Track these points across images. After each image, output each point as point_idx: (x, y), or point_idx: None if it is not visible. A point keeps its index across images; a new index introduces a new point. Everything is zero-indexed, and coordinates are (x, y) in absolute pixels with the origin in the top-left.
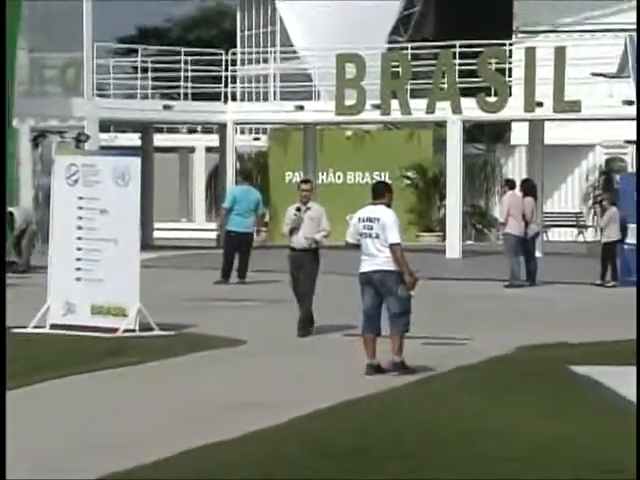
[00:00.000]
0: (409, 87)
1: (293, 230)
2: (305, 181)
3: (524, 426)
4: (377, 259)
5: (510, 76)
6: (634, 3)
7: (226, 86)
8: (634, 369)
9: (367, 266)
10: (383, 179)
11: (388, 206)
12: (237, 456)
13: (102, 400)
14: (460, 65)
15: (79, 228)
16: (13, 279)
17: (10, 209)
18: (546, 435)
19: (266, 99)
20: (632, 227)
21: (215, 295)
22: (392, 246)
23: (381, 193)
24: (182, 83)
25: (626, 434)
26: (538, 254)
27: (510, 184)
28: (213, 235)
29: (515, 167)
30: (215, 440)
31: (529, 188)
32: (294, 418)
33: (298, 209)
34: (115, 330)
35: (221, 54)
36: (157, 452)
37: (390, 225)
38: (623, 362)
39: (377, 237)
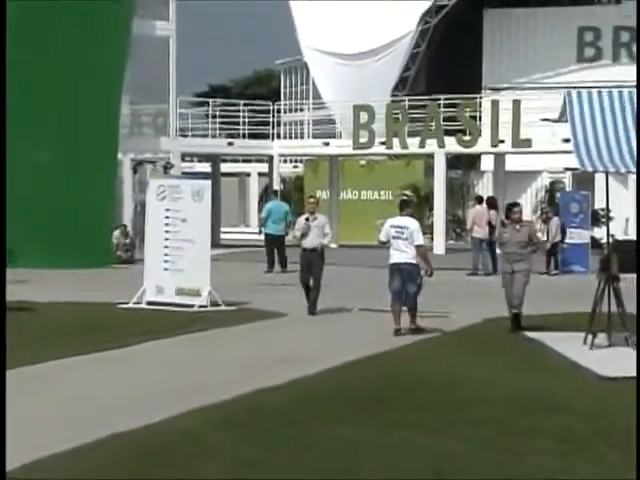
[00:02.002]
0: (406, 129)
1: (303, 235)
2: (311, 197)
3: (490, 377)
4: (405, 254)
5: (480, 121)
6: (573, 67)
7: (273, 128)
8: (573, 334)
9: (397, 259)
10: (387, 196)
11: (412, 216)
12: (277, 399)
13: (183, 356)
14: (444, 113)
15: (166, 232)
16: (121, 269)
17: (124, 223)
18: (506, 383)
19: (302, 137)
20: (569, 230)
21: (264, 281)
22: (419, 247)
23: (406, 207)
24: (241, 126)
25: (566, 383)
26: (498, 251)
27: (478, 199)
28: (263, 237)
29: (484, 187)
30: (262, 387)
31: (493, 203)
32: (323, 370)
33: (307, 219)
34: (192, 306)
35: (269, 105)
36: (220, 395)
37: (417, 231)
38: (564, 329)
39: (406, 239)
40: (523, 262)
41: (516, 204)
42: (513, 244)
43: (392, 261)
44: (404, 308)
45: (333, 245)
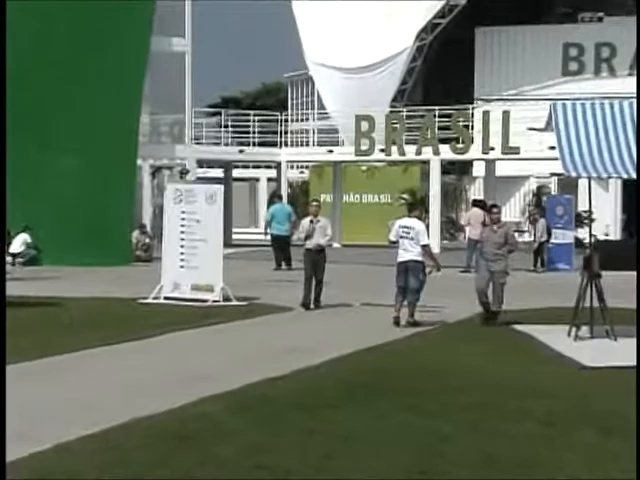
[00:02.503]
0: (404, 137)
1: (308, 236)
2: (314, 200)
3: (481, 365)
4: (411, 253)
5: (472, 130)
6: (558, 80)
7: (281, 137)
8: (558, 327)
9: (404, 257)
10: (387, 199)
11: (418, 218)
12: (284, 387)
13: (198, 347)
14: (438, 122)
15: (182, 232)
16: (140, 267)
17: (143, 224)
18: (496, 371)
19: (308, 145)
20: (555, 231)
21: (272, 277)
22: (424, 246)
23: (414, 209)
24: (251, 135)
25: (552, 372)
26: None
27: (476, 203)
28: (269, 237)
29: (476, 191)
30: (270, 376)
31: (483, 206)
32: (327, 360)
33: (311, 221)
34: (206, 301)
35: (277, 115)
36: (233, 383)
37: (422, 232)
38: (549, 322)
39: (412, 239)
40: (500, 262)
41: (495, 205)
42: (490, 244)
43: (399, 259)
44: (405, 303)
45: (336, 245)
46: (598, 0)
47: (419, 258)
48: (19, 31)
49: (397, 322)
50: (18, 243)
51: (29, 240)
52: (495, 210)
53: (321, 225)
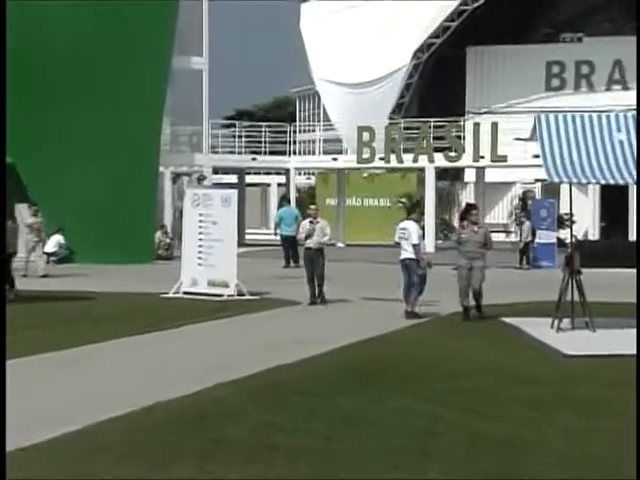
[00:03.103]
0: (402, 147)
1: (308, 236)
2: (312, 203)
3: (472, 353)
4: (407, 252)
5: (464, 140)
6: (542, 94)
7: (290, 146)
8: (542, 319)
9: (402, 255)
10: (386, 203)
11: (415, 220)
12: (293, 373)
13: (214, 337)
14: (433, 133)
15: (200, 233)
16: (161, 264)
17: (164, 225)
18: (486, 359)
19: (314, 154)
20: (539, 232)
21: (282, 274)
22: (414, 245)
23: (411, 212)
24: (263, 144)
25: (536, 360)
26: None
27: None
28: (278, 237)
29: (467, 196)
30: (279, 363)
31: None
32: (332, 349)
33: (310, 222)
34: (221, 296)
35: (287, 126)
36: (246, 370)
37: (413, 233)
38: (535, 315)
39: (406, 239)
40: (479, 260)
41: (475, 207)
42: (472, 243)
43: (399, 258)
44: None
45: (340, 244)
46: (578, 22)
47: (411, 256)
48: (53, 51)
49: (408, 315)
50: (52, 243)
51: (62, 241)
52: (474, 212)
53: (320, 226)
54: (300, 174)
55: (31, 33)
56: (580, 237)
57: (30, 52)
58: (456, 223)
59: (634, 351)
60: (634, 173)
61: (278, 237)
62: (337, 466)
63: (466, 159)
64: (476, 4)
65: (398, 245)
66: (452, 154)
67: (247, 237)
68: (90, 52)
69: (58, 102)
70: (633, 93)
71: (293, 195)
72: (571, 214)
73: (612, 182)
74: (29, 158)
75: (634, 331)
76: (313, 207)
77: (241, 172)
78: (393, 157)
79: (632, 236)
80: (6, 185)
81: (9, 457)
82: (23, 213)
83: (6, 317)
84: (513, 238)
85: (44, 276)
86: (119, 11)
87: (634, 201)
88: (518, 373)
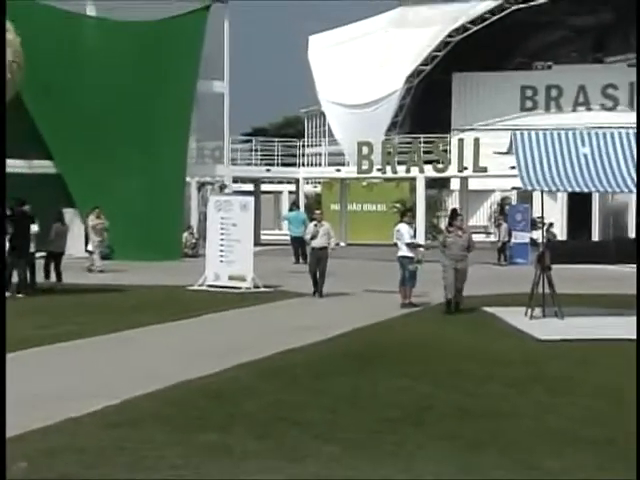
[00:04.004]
0: (396, 159)
1: (313, 237)
2: (317, 208)
3: (456, 338)
4: (400, 250)
5: (450, 153)
6: (517, 114)
7: (299, 159)
8: (517, 309)
9: (399, 253)
10: (383, 208)
11: (408, 223)
12: (301, 356)
13: (234, 324)
14: (423, 147)
15: (221, 234)
16: (188, 261)
17: (190, 225)
18: (469, 343)
19: (320, 165)
20: (515, 233)
21: (292, 269)
22: (407, 244)
23: (403, 215)
24: (275, 157)
25: (513, 343)
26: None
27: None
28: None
29: (453, 202)
30: (289, 347)
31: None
32: (336, 335)
33: (315, 225)
34: (240, 288)
35: (296, 142)
36: (260, 353)
37: (404, 233)
38: (511, 305)
39: (399, 239)
40: (464, 261)
41: (459, 214)
42: (456, 246)
43: (397, 255)
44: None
45: (342, 244)
46: (548, 52)
47: (405, 254)
48: (95, 81)
49: (403, 305)
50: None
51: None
52: (459, 218)
53: (324, 228)
54: (308, 183)
55: (74, 64)
56: (544, 230)
57: (72, 82)
58: (443, 226)
59: (597, 336)
60: (597, 182)
61: (288, 237)
62: (343, 433)
63: (452, 170)
64: (460, 36)
65: (395, 245)
66: (439, 166)
67: (262, 237)
68: (127, 81)
69: (102, 124)
70: (595, 113)
71: (302, 201)
72: (542, 217)
73: (578, 190)
74: (81, 172)
75: (597, 318)
76: (318, 212)
77: (257, 181)
78: (388, 168)
79: (595, 237)
80: (55, 193)
81: (58, 428)
82: (73, 217)
83: (60, 307)
84: (492, 238)
85: (101, 271)
86: (152, 43)
87: (597, 207)
88: (497, 355)
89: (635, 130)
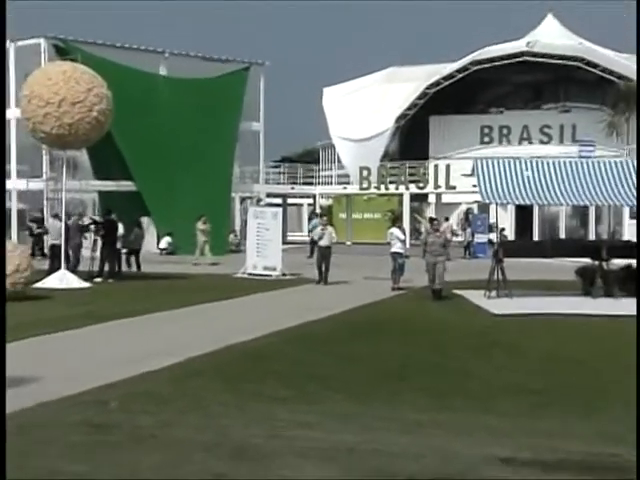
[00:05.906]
0: (388, 180)
1: (320, 238)
2: (322, 216)
3: (432, 314)
4: (394, 247)
5: (428, 175)
6: (477, 146)
7: (315, 179)
8: (478, 291)
9: (393, 249)
10: (378, 216)
11: (398, 227)
12: (315, 327)
13: (267, 304)
14: (409, 171)
15: (257, 236)
16: (233, 256)
17: (234, 229)
18: (442, 318)
19: (331, 184)
20: (477, 235)
21: (309, 262)
22: (402, 241)
23: (395, 221)
24: (298, 178)
25: (475, 318)
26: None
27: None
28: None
29: (430, 212)
30: (301, 322)
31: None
32: (341, 312)
33: (322, 229)
34: (271, 276)
35: (314, 167)
36: (285, 324)
37: (396, 235)
38: (474, 288)
39: (391, 239)
40: (441, 256)
41: (434, 219)
42: (436, 245)
43: (390, 250)
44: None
45: (348, 243)
46: (500, 101)
47: (396, 250)
48: (168, 124)
49: (393, 289)
50: (164, 243)
51: (170, 241)
52: (435, 222)
53: (329, 231)
54: (322, 198)
55: (150, 110)
56: (497, 233)
57: (148, 124)
58: (423, 229)
59: (538, 311)
60: (537, 197)
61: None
62: (344, 385)
63: (429, 188)
64: (435, 89)
65: (389, 244)
66: (420, 184)
67: (288, 238)
68: (188, 123)
69: (170, 155)
70: (535, 146)
71: (318, 212)
72: (497, 223)
73: (523, 203)
74: (154, 191)
75: (539, 298)
76: (324, 219)
77: (284, 196)
78: (383, 186)
79: (535, 237)
80: (135, 205)
81: (140, 379)
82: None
83: (141, 289)
84: (460, 239)
85: (214, 264)
86: (208, 94)
87: (536, 215)
88: (463, 326)
89: (565, 160)
